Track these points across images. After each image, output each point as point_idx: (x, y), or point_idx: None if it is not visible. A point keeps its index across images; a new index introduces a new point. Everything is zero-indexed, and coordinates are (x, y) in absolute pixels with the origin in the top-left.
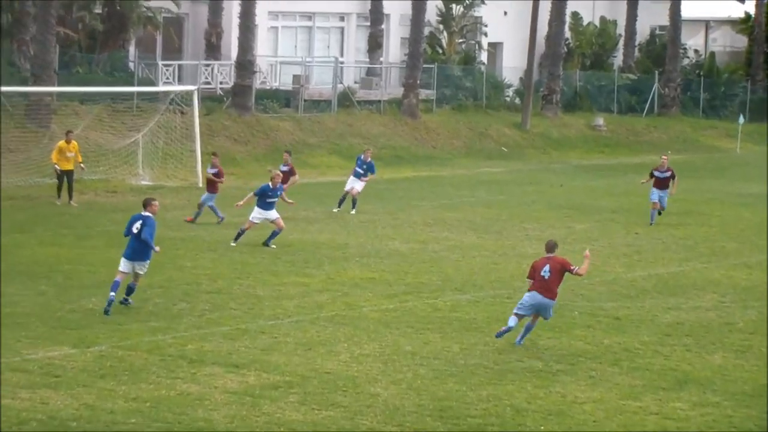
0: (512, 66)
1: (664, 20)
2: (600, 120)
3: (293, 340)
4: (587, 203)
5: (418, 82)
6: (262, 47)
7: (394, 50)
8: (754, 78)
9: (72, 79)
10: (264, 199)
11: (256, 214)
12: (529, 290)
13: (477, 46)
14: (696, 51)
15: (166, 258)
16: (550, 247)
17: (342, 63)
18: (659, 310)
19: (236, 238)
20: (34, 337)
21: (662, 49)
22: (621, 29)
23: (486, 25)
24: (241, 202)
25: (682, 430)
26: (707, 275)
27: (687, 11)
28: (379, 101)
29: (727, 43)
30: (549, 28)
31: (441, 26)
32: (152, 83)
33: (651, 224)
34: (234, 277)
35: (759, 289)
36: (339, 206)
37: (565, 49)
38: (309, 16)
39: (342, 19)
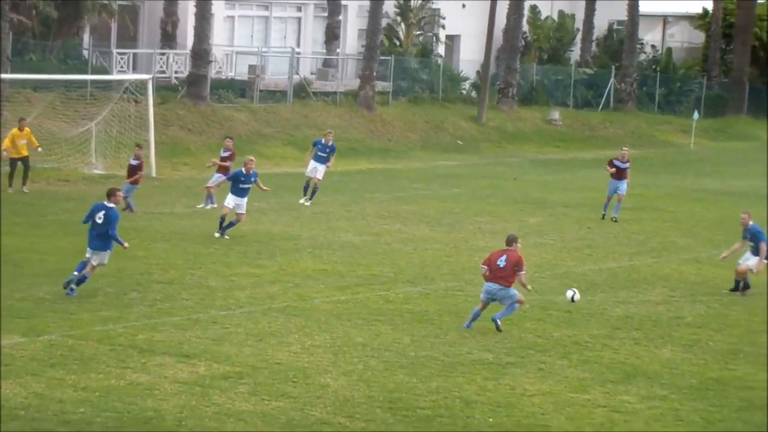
0: (469, 59)
1: (623, 15)
2: (556, 114)
3: (244, 331)
4: (541, 197)
5: (375, 74)
6: (218, 36)
7: (351, 42)
8: (709, 74)
9: (25, 67)
10: (237, 185)
11: (230, 200)
12: (486, 281)
13: (434, 38)
14: (653, 46)
15: (119, 247)
16: (510, 240)
17: (298, 54)
18: (609, 304)
19: (221, 229)
20: None
21: (619, 44)
22: (579, 23)
23: (444, 18)
24: (212, 184)
25: (629, 423)
26: (658, 270)
27: (645, 6)
28: (335, 93)
29: (684, 38)
30: (507, 22)
31: (399, 18)
32: (106, 71)
33: (603, 217)
34: (186, 267)
35: (708, 284)
36: (305, 195)
37: (523, 43)
38: (266, 5)
39: (299, 9)
